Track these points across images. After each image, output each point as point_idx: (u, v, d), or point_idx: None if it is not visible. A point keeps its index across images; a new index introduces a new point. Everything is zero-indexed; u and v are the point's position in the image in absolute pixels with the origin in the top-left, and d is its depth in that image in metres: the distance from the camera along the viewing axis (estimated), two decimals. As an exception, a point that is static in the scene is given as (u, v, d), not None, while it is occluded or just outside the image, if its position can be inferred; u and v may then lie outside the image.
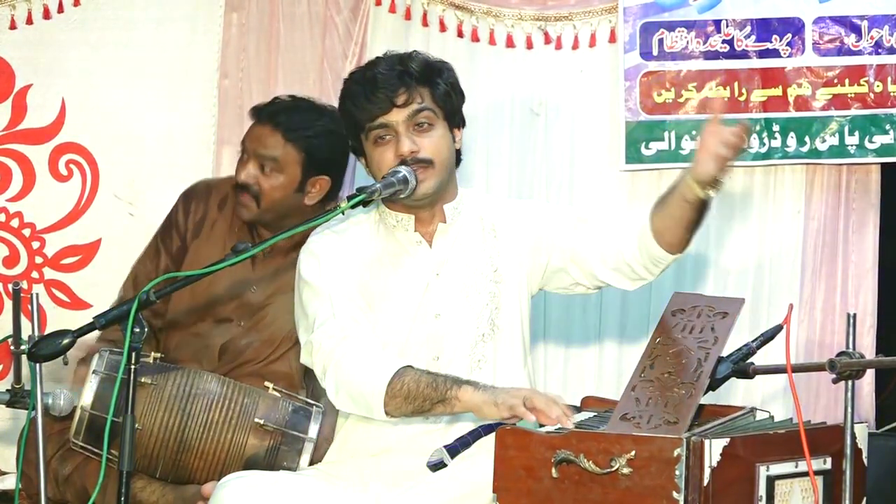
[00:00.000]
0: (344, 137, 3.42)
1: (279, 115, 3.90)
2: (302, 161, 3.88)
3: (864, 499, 2.93)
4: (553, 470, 2.67)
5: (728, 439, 2.65)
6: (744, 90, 4.50)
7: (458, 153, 3.36)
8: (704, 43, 4.51)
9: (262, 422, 3.62)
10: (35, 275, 4.84)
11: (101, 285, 4.67)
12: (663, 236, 3.20)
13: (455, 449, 3.11)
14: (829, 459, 2.84)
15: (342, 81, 3.36)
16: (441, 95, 3.29)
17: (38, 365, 3.11)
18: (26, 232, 4.84)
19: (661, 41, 4.53)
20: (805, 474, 2.76)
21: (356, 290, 3.27)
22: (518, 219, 3.40)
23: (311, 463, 3.58)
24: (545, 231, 3.36)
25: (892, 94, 4.42)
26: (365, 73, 3.28)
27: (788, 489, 2.75)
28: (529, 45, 4.67)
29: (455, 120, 3.34)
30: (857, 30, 4.43)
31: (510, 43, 4.67)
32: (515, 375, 3.32)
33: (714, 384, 2.91)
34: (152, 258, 4.05)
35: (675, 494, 2.59)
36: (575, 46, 4.64)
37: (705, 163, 3.05)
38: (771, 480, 2.71)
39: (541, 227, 3.37)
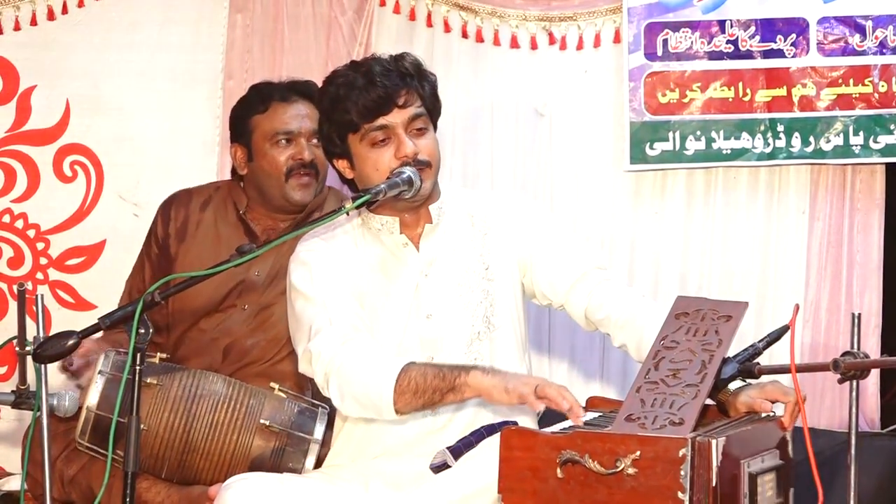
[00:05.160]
0: None
1: (306, 89, 3.95)
2: None
3: (792, 489, 2.93)
4: (558, 470, 2.67)
5: (724, 438, 2.66)
6: (748, 90, 4.49)
7: None
8: (709, 43, 4.51)
9: (267, 423, 3.62)
10: (40, 276, 4.84)
11: (106, 286, 4.67)
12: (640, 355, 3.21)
13: (458, 450, 3.10)
14: (777, 453, 2.85)
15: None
16: (429, 98, 3.31)
17: (42, 366, 3.12)
18: (31, 233, 4.85)
19: (665, 41, 4.52)
20: (769, 470, 2.79)
21: (350, 294, 3.27)
22: (508, 214, 3.39)
23: (317, 464, 3.58)
24: (538, 243, 3.37)
25: (896, 93, 4.43)
26: (357, 73, 3.26)
27: (763, 483, 2.76)
28: (534, 46, 4.66)
29: (436, 123, 3.36)
30: (861, 30, 4.42)
31: (514, 43, 4.67)
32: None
33: (720, 384, 2.91)
34: (139, 271, 4.10)
35: (680, 494, 2.59)
36: (579, 47, 4.64)
37: (750, 405, 2.96)
38: (753, 477, 2.72)
39: (535, 235, 3.38)
